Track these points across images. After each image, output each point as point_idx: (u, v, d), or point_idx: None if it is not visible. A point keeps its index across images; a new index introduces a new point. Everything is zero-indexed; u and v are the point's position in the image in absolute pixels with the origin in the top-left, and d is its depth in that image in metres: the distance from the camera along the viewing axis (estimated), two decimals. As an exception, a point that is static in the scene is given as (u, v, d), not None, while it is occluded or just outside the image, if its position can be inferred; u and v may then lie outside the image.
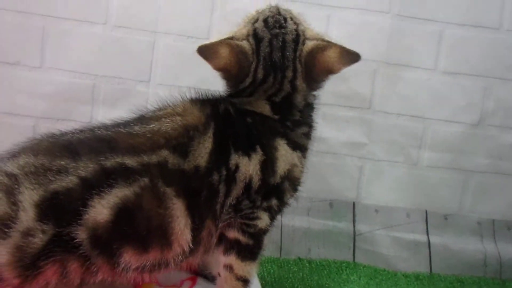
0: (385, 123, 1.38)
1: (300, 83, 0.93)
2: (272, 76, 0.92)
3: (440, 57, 1.36)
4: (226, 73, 0.94)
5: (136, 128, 0.86)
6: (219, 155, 0.87)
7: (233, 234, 0.91)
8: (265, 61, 0.91)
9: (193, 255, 0.87)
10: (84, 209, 0.77)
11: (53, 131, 0.89)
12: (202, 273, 1.05)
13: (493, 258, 1.40)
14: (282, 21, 0.93)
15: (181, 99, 0.92)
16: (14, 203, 0.76)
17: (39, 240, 0.75)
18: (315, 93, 0.97)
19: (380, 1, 1.33)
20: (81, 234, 0.77)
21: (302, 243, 1.39)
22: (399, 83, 1.36)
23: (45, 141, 0.85)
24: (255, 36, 0.92)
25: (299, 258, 1.37)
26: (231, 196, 0.87)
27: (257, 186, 0.88)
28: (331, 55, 0.91)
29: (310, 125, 0.98)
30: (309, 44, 0.92)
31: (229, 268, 0.92)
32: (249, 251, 0.92)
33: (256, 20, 0.94)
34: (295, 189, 0.95)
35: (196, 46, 0.89)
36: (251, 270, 0.93)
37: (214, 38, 0.90)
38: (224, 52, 0.90)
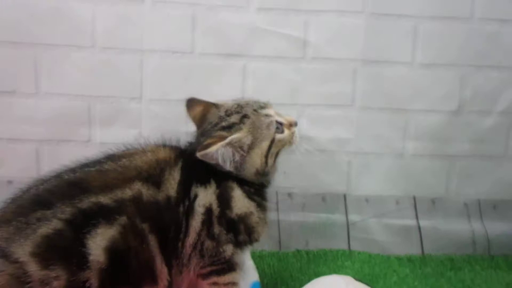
0: (369, 118, 1.41)
1: None
2: None
3: (416, 50, 1.39)
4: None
5: (106, 166, 0.88)
6: (185, 186, 0.90)
7: (205, 270, 0.94)
8: None
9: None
10: (84, 249, 0.78)
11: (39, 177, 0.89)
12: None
13: (481, 236, 1.45)
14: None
15: (152, 143, 0.98)
16: (15, 261, 0.75)
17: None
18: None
19: (353, 1, 1.35)
20: (94, 282, 0.78)
21: (300, 236, 1.44)
22: (379, 79, 1.39)
23: (8, 207, 0.83)
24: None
25: (297, 250, 1.42)
26: (190, 233, 0.89)
27: (218, 213, 0.91)
28: None
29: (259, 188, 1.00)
30: None
31: (214, 284, 0.95)
32: (227, 269, 0.95)
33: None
34: (250, 239, 0.96)
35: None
36: (236, 276, 0.96)
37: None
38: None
